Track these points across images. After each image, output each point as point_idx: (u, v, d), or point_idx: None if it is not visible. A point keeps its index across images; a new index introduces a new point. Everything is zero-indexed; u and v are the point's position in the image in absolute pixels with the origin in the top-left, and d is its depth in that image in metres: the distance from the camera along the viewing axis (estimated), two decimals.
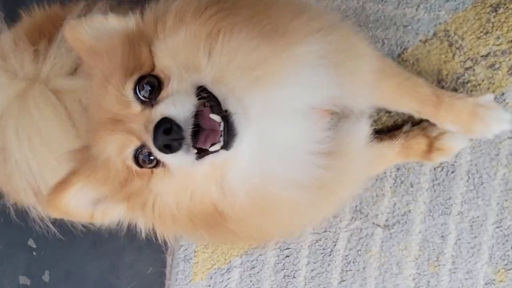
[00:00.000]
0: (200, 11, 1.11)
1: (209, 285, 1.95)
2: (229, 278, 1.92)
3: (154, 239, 1.24)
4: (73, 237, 2.03)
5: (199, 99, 1.05)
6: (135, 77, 1.09)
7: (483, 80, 1.75)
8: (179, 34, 1.10)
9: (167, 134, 0.99)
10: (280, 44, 1.12)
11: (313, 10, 1.27)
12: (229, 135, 1.03)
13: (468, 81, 1.76)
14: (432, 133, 1.68)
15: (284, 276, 1.89)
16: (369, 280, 1.82)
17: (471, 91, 1.76)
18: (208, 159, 1.06)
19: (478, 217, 1.75)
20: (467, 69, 1.77)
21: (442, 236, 1.77)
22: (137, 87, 1.09)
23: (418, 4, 1.81)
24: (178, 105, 1.03)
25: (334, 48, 1.20)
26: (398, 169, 1.79)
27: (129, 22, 1.18)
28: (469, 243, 1.76)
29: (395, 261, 1.80)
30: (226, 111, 1.04)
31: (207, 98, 1.05)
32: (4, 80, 1.51)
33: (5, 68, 1.52)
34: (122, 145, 1.10)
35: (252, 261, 1.90)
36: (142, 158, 1.10)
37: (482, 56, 1.76)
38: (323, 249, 1.85)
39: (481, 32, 1.75)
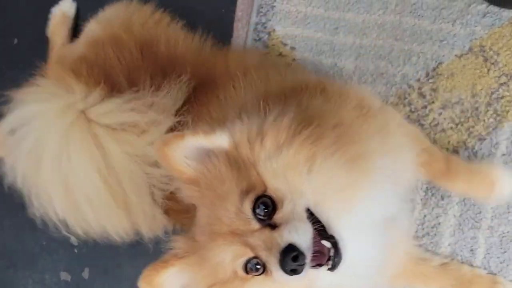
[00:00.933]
0: (295, 133, 1.21)
1: None
2: None
3: None
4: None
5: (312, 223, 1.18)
6: (252, 197, 1.19)
7: None
8: (283, 155, 1.20)
9: (294, 260, 1.11)
10: (364, 168, 1.27)
11: (384, 131, 1.41)
12: (336, 260, 1.17)
13: (503, 97, 1.77)
14: None
15: None
16: None
17: (505, 106, 1.77)
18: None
19: (508, 232, 1.76)
20: (501, 84, 1.78)
21: (471, 250, 1.79)
22: (254, 207, 1.19)
23: (455, 20, 1.83)
24: (300, 233, 1.14)
25: (397, 167, 1.39)
26: (429, 181, 1.81)
27: (221, 140, 1.23)
28: (498, 257, 1.77)
29: None
30: (332, 236, 1.17)
31: (316, 223, 1.18)
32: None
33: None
34: (237, 255, 1.20)
35: None
36: (250, 267, 1.21)
37: None
38: None
39: None
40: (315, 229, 1.17)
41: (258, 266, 1.21)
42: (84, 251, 2.23)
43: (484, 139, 1.78)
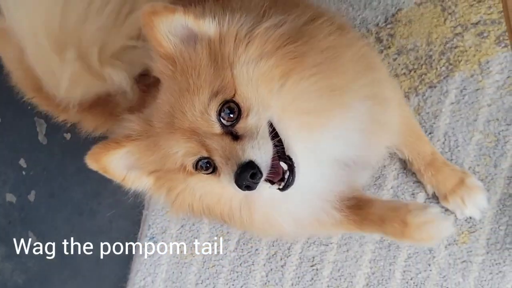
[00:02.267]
0: (280, 46, 1.19)
1: (184, 218, 2.01)
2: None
3: None
4: (60, 160, 2.11)
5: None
6: (220, 99, 1.17)
7: (470, 47, 1.79)
8: (260, 66, 1.18)
9: (251, 177, 1.12)
10: (337, 101, 1.26)
11: (371, 76, 1.37)
12: (289, 182, 1.18)
13: (456, 47, 1.80)
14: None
15: None
16: None
17: (458, 56, 1.80)
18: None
19: None
20: (456, 34, 1.80)
21: (413, 194, 1.82)
22: (220, 110, 1.18)
23: None
24: (262, 151, 1.15)
25: (374, 118, 1.36)
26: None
27: (208, 27, 1.20)
28: (438, 203, 1.80)
29: None
30: (290, 158, 1.18)
31: (275, 139, 1.19)
32: None
33: None
34: (192, 152, 1.21)
35: None
36: (201, 165, 1.23)
37: (472, 23, 1.79)
38: None
39: (474, 0, 1.79)
40: (274, 145, 1.18)
41: (208, 165, 1.22)
42: (32, 173, 2.22)
43: (435, 87, 1.81)
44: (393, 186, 1.84)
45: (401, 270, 1.84)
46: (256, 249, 1.94)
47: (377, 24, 1.88)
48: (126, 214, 2.10)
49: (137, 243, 2.08)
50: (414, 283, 1.82)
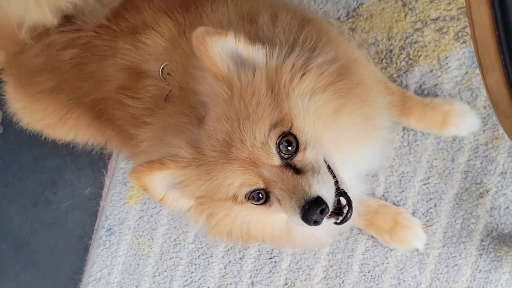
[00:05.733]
0: (332, 82, 1.20)
1: (142, 210, 1.98)
2: (162, 206, 1.95)
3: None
4: (16, 149, 2.07)
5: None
6: (279, 131, 1.16)
7: (430, 42, 1.81)
8: (315, 100, 1.18)
9: (321, 213, 1.13)
10: (373, 126, 1.34)
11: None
12: (348, 216, 1.21)
13: (416, 42, 1.82)
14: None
15: None
16: None
17: (418, 51, 1.82)
18: None
19: (407, 172, 1.81)
20: (416, 30, 1.83)
21: (371, 188, 1.83)
22: (279, 141, 1.16)
23: None
24: (328, 187, 1.16)
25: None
26: None
27: (257, 55, 1.18)
28: (396, 196, 1.82)
29: None
30: (345, 193, 1.20)
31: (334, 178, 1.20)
32: None
33: None
34: (248, 184, 1.19)
35: None
36: (253, 195, 1.21)
37: (432, 19, 1.82)
38: None
39: None
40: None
41: (260, 196, 1.21)
42: None
43: (395, 81, 1.83)
44: None
45: (359, 263, 1.85)
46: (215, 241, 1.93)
47: (339, 18, 1.89)
48: (82, 205, 2.07)
49: (93, 234, 2.04)
50: (371, 275, 1.83)
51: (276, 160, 1.16)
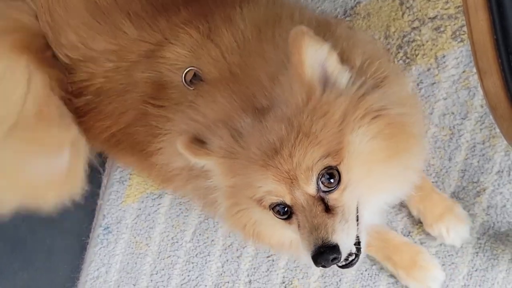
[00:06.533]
0: (395, 133, 1.18)
1: (140, 209, 1.98)
2: (159, 204, 1.96)
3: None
4: None
5: None
6: (327, 162, 1.13)
7: (427, 41, 1.81)
8: (374, 144, 1.16)
9: (332, 261, 1.13)
10: (407, 177, 1.32)
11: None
12: (354, 262, 1.22)
13: (413, 40, 1.82)
14: None
15: None
16: None
17: (415, 50, 1.82)
18: None
19: None
20: (414, 28, 1.83)
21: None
22: (322, 173, 1.14)
23: None
24: (349, 237, 1.16)
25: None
26: None
27: (342, 77, 1.16)
28: None
29: None
30: (359, 242, 1.20)
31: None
32: None
33: None
34: (277, 194, 1.16)
35: None
36: (278, 210, 1.20)
37: (429, 18, 1.82)
38: None
39: None
40: None
41: (284, 212, 1.20)
42: None
43: None
44: None
45: None
46: (212, 240, 1.93)
47: (336, 17, 1.89)
48: (79, 204, 2.06)
49: (91, 233, 2.04)
50: (368, 274, 1.84)
51: (312, 189, 1.14)
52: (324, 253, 1.11)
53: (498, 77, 0.99)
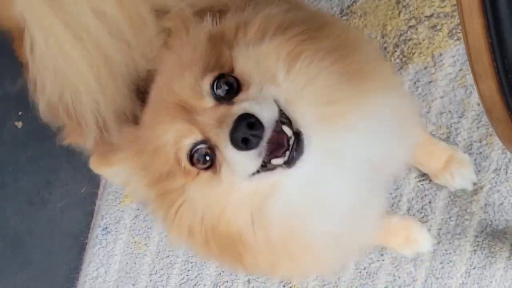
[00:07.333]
0: (283, 28, 1.07)
1: (138, 209, 1.99)
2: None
3: None
4: (11, 149, 2.07)
5: None
6: (216, 73, 1.03)
7: (424, 40, 1.81)
8: (261, 45, 1.05)
9: (250, 128, 0.93)
10: (359, 88, 1.07)
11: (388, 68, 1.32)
12: (296, 152, 0.98)
13: (410, 39, 1.82)
14: None
15: None
16: None
17: (412, 48, 1.82)
18: (262, 176, 1.01)
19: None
20: (410, 27, 1.82)
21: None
22: (215, 83, 1.03)
23: None
24: (263, 106, 0.97)
25: (402, 109, 1.20)
26: None
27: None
28: (390, 193, 1.83)
29: None
30: (297, 129, 0.99)
31: (282, 116, 1.00)
32: None
33: None
34: (181, 135, 1.03)
35: None
36: (197, 157, 1.03)
37: (426, 16, 1.81)
38: None
39: None
40: (281, 121, 0.99)
41: (207, 158, 1.03)
42: None
43: None
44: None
45: (355, 260, 1.86)
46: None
47: (333, 16, 1.88)
48: (78, 204, 2.07)
49: (89, 233, 2.04)
50: (367, 272, 1.84)
51: (209, 101, 1.02)
52: (237, 124, 0.94)
53: (493, 80, 0.98)
